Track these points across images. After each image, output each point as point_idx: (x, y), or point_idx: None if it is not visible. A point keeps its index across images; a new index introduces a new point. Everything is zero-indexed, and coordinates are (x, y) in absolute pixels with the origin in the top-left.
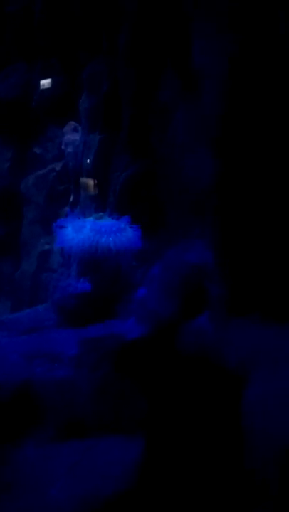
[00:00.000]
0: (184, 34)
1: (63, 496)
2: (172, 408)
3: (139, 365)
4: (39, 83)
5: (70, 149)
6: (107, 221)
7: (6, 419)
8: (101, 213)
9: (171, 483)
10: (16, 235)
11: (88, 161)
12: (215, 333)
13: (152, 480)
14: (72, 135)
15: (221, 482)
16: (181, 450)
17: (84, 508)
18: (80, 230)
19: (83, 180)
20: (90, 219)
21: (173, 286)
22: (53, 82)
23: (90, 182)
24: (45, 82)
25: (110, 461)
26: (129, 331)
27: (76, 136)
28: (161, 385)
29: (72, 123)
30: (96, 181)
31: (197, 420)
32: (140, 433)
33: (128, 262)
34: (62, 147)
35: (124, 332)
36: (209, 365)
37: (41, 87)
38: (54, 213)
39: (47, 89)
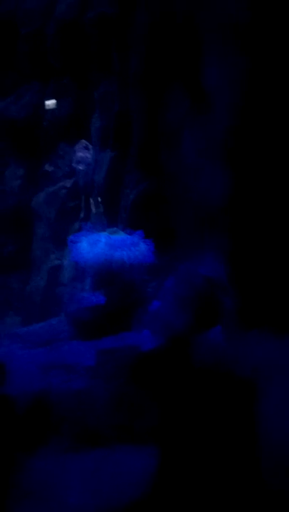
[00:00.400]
0: (194, 53)
1: (81, 504)
2: (186, 418)
3: (154, 376)
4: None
5: (81, 167)
6: (121, 236)
7: (24, 429)
8: (115, 228)
9: (185, 492)
10: (26, 250)
11: (101, 178)
12: (228, 345)
13: (167, 488)
14: (83, 153)
15: (235, 489)
16: (195, 459)
17: None
18: (95, 244)
19: (95, 196)
20: (105, 233)
21: (186, 299)
22: (64, 102)
23: (102, 198)
24: (50, 103)
25: (126, 470)
26: (143, 342)
27: (87, 154)
28: (176, 395)
29: (83, 141)
30: (107, 197)
31: (211, 429)
32: (155, 442)
33: (141, 275)
34: (73, 165)
35: (138, 343)
36: (223, 376)
37: (46, 107)
38: (64, 229)
39: (59, 109)
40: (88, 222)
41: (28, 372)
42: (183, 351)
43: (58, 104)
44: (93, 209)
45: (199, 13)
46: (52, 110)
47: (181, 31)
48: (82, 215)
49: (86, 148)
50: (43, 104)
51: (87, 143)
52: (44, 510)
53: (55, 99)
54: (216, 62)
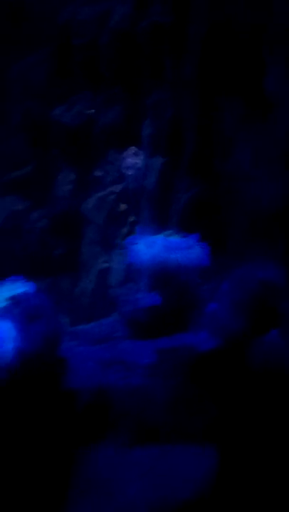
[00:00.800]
0: (253, 60)
1: (141, 497)
2: (245, 419)
3: (213, 376)
4: (103, 111)
5: (130, 172)
6: (176, 238)
7: (84, 423)
8: (170, 231)
9: (245, 491)
10: (75, 253)
11: (152, 183)
12: (286, 349)
13: (226, 489)
14: (132, 159)
15: None
16: (254, 462)
17: (161, 510)
18: (152, 246)
19: (145, 200)
20: (161, 236)
21: (243, 302)
22: (115, 110)
23: (153, 202)
24: (89, 112)
25: (185, 467)
26: (200, 343)
27: (136, 160)
28: (234, 396)
29: (133, 148)
30: (158, 202)
31: (271, 431)
32: (213, 441)
33: (195, 278)
34: (123, 170)
35: (196, 344)
36: (282, 378)
37: None
38: (113, 233)
39: (109, 117)
40: (137, 226)
41: (87, 369)
42: (241, 353)
43: (106, 112)
44: (143, 213)
45: (263, 21)
46: (103, 118)
47: (239, 39)
48: (131, 219)
49: (135, 154)
50: (95, 113)
51: (137, 149)
52: (105, 498)
53: (103, 108)
54: (280, 70)
